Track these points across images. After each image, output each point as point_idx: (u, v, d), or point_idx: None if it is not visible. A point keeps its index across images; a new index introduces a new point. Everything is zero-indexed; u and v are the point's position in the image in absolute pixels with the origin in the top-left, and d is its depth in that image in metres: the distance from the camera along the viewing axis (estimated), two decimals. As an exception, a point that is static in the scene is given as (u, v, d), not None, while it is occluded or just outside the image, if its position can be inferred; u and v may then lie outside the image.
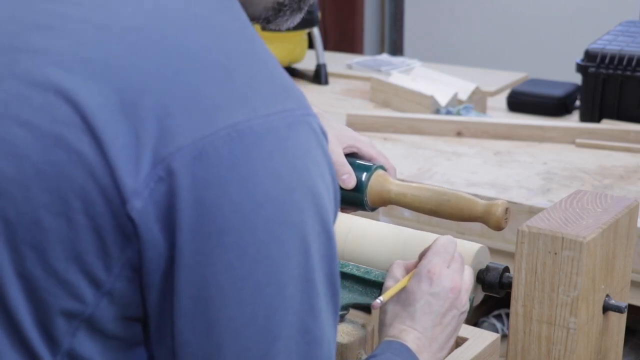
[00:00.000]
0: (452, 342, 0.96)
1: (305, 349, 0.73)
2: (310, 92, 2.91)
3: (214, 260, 0.68)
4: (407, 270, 0.99)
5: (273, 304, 0.70)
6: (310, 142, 0.72)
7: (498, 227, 1.03)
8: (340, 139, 1.12)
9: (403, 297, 0.95)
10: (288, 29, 0.91)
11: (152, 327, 0.73)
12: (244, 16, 0.77)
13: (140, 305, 0.72)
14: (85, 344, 0.72)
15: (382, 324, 0.97)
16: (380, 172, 1.11)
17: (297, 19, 0.90)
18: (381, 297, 0.95)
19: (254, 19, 0.87)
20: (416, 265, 0.99)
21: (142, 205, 0.67)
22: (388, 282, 0.99)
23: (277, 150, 0.69)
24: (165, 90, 0.68)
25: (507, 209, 1.03)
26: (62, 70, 0.70)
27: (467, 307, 0.97)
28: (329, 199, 0.74)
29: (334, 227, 0.74)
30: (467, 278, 0.98)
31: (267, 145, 0.69)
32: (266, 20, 0.88)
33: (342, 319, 1.10)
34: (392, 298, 0.96)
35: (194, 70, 0.70)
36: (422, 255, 0.99)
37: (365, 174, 1.10)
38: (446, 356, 0.97)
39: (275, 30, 0.91)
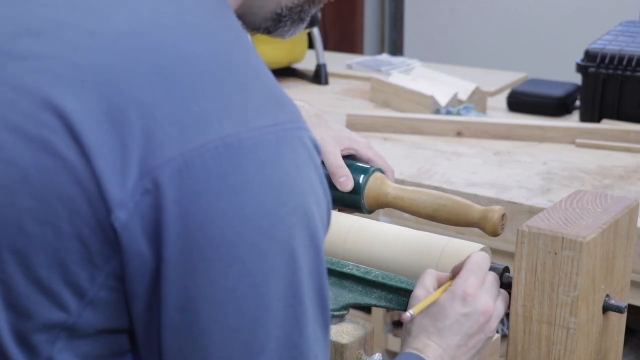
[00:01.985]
0: None
1: None
2: (310, 92, 2.91)
3: (199, 273, 0.68)
4: (439, 283, 0.98)
5: (258, 318, 0.70)
6: (300, 156, 0.71)
7: (494, 233, 1.03)
8: (338, 141, 1.11)
9: (434, 311, 0.94)
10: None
11: (140, 338, 0.72)
12: (237, 26, 0.76)
13: (125, 315, 0.71)
14: (64, 352, 0.71)
15: (407, 333, 0.96)
16: (377, 174, 1.11)
17: (300, 29, 0.89)
18: (411, 311, 0.94)
19: (254, 28, 0.86)
20: (449, 279, 0.98)
21: (126, 216, 0.66)
22: (418, 291, 0.97)
23: (265, 164, 0.69)
24: (155, 99, 0.68)
25: (503, 215, 1.03)
26: (50, 77, 0.69)
27: (494, 332, 0.96)
28: (320, 213, 0.73)
29: (324, 241, 0.74)
30: (500, 304, 0.97)
31: (256, 159, 0.68)
32: (267, 31, 0.87)
33: (342, 319, 1.10)
34: (422, 311, 0.95)
35: (185, 79, 0.69)
36: (455, 270, 0.98)
37: (362, 176, 1.10)
38: None
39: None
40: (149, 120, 0.67)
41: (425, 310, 0.95)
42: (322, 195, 0.73)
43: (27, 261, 0.69)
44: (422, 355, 0.92)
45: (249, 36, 0.77)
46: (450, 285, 0.97)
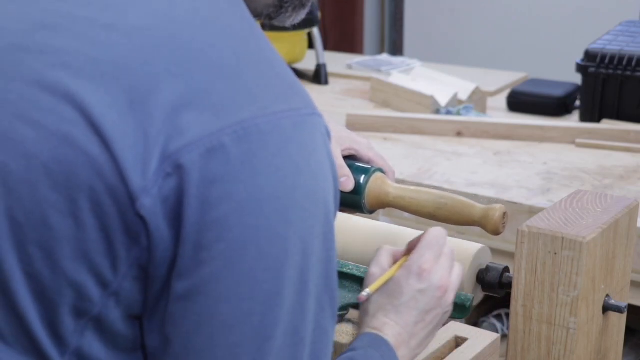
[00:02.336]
0: (431, 339, 0.96)
1: (293, 350, 0.73)
2: (310, 92, 2.89)
3: (214, 254, 0.69)
4: (395, 259, 0.98)
5: (269, 302, 0.70)
6: (315, 141, 0.72)
7: (496, 232, 1.03)
8: (339, 141, 1.11)
9: (390, 288, 0.94)
10: (292, 26, 0.91)
11: (145, 317, 0.73)
12: (250, 16, 0.77)
13: (144, 301, 0.72)
14: (93, 343, 0.72)
15: (365, 313, 0.96)
16: (378, 174, 1.11)
17: (302, 15, 0.90)
18: (368, 290, 0.94)
19: (256, 15, 0.87)
20: (404, 254, 0.98)
21: (151, 202, 0.67)
22: (373, 269, 0.97)
23: (282, 149, 0.70)
24: (174, 89, 0.69)
25: (504, 214, 1.03)
26: (69, 71, 0.70)
27: (451, 307, 0.96)
28: (331, 199, 0.74)
29: (334, 228, 0.75)
30: (456, 277, 0.97)
31: (273, 143, 0.69)
32: (268, 17, 0.88)
33: (342, 319, 1.10)
34: (378, 290, 0.95)
35: (202, 68, 0.70)
36: (411, 245, 0.98)
37: (363, 176, 1.10)
38: (421, 351, 0.97)
39: (279, 28, 0.91)
40: (168, 109, 0.68)
41: (381, 288, 0.95)
42: (333, 181, 0.75)
43: (53, 254, 0.70)
44: (381, 334, 0.92)
45: (259, 25, 0.78)
46: (405, 261, 0.96)
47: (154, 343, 0.73)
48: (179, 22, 0.72)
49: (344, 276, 1.09)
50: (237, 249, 0.69)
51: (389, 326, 0.93)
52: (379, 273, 0.96)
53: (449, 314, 0.97)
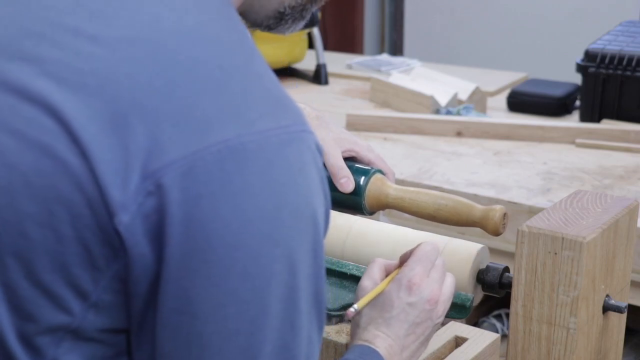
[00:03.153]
0: (422, 350, 0.97)
1: None
2: (310, 92, 2.91)
3: (199, 275, 0.68)
4: (387, 272, 0.98)
5: (256, 321, 0.70)
6: (303, 158, 0.71)
7: (496, 233, 1.03)
8: (338, 143, 1.11)
9: (380, 301, 0.95)
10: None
11: (132, 334, 0.72)
12: (241, 27, 0.76)
13: (126, 317, 0.71)
14: (69, 354, 0.71)
15: (356, 325, 0.97)
16: (378, 176, 1.11)
17: (300, 25, 0.89)
18: (355, 306, 0.94)
19: (255, 25, 0.86)
20: (396, 267, 0.98)
21: (129, 219, 0.66)
22: (365, 282, 0.97)
23: (268, 168, 0.69)
24: (157, 104, 0.68)
25: (505, 214, 1.03)
26: (51, 82, 0.69)
27: (442, 318, 0.97)
28: (321, 215, 0.73)
29: (323, 244, 0.74)
30: (447, 289, 0.97)
31: (258, 162, 0.68)
32: (268, 28, 0.87)
33: (342, 319, 1.10)
34: (368, 304, 0.95)
35: (187, 83, 0.69)
36: (403, 258, 0.98)
37: (363, 177, 1.10)
38: None
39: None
40: (151, 124, 0.67)
41: (372, 301, 0.95)
42: (323, 199, 0.74)
43: (30, 265, 0.69)
44: (373, 346, 0.92)
45: (250, 37, 0.77)
46: (397, 274, 0.97)
47: (143, 358, 0.73)
48: (165, 33, 0.71)
49: (344, 276, 1.09)
50: (222, 269, 0.68)
51: (380, 338, 0.93)
52: (371, 286, 0.96)
53: (439, 325, 0.97)
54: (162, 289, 0.68)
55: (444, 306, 0.96)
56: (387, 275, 0.98)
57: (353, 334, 0.97)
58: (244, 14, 0.84)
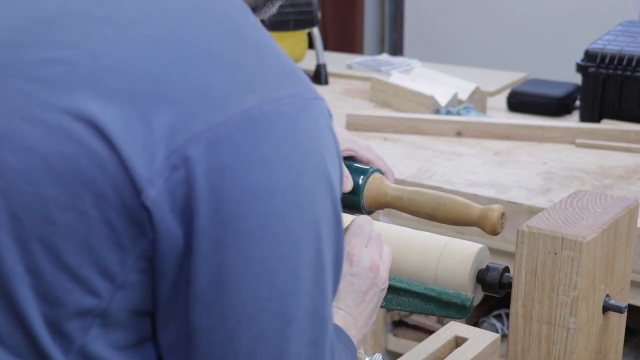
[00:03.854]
0: (374, 317, 0.98)
1: (315, 329, 0.74)
2: (310, 92, 2.91)
3: (230, 246, 0.69)
4: None
5: (287, 287, 0.71)
6: (320, 125, 0.73)
7: (494, 232, 1.03)
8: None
9: None
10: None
11: (158, 314, 0.73)
12: (243, 4, 0.77)
13: (152, 297, 0.72)
14: (98, 340, 0.72)
15: None
16: (377, 175, 1.11)
17: (276, 7, 0.91)
18: None
19: None
20: None
21: (156, 194, 0.67)
22: None
23: (289, 135, 0.70)
24: (176, 80, 0.69)
25: (503, 214, 1.03)
26: (67, 67, 0.70)
27: (386, 283, 0.98)
28: (337, 181, 0.75)
29: (341, 209, 0.76)
30: (386, 257, 0.98)
31: (280, 129, 0.70)
32: (253, 10, 0.88)
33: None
34: None
35: (203, 59, 0.70)
36: None
37: (362, 177, 1.10)
38: (367, 331, 0.98)
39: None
40: (172, 100, 0.68)
41: None
42: (339, 164, 0.75)
43: (56, 249, 0.69)
44: None
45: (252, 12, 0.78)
46: None
47: (170, 338, 0.73)
48: (175, 12, 0.72)
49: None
50: (252, 238, 0.69)
51: (333, 312, 0.94)
52: None
53: (385, 291, 0.99)
54: (194, 263, 0.69)
55: (385, 273, 0.98)
56: None
57: None
58: None
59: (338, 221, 0.75)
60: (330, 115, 0.76)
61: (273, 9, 0.90)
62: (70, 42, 0.71)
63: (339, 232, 0.76)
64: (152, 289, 0.72)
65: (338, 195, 0.75)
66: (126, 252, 0.69)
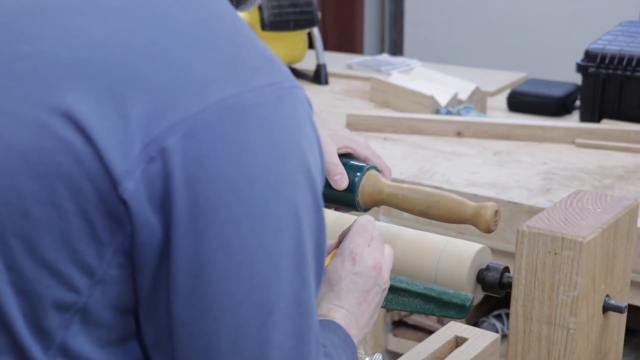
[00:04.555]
0: (375, 317, 0.98)
1: (298, 320, 0.74)
2: (310, 92, 2.91)
3: (209, 236, 0.68)
4: (329, 251, 0.99)
5: (269, 277, 0.71)
6: (299, 114, 0.73)
7: (487, 230, 1.03)
8: (335, 139, 1.12)
9: (328, 276, 0.96)
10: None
11: (141, 310, 0.72)
12: None
13: (132, 293, 0.72)
14: (78, 337, 0.72)
15: None
16: (372, 172, 1.11)
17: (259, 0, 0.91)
18: None
19: None
20: (337, 245, 0.99)
21: (133, 186, 0.67)
22: None
23: (267, 124, 0.70)
24: (153, 70, 0.68)
25: (496, 212, 1.03)
26: (43, 59, 0.70)
27: (388, 283, 0.98)
28: (318, 170, 0.74)
29: (322, 197, 0.75)
30: (387, 257, 0.98)
31: (258, 118, 0.69)
32: (237, 3, 0.88)
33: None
34: None
35: (181, 47, 0.70)
36: (342, 235, 1.00)
37: (357, 174, 1.10)
38: (368, 330, 0.98)
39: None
40: (148, 91, 0.68)
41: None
42: (319, 152, 0.75)
43: (34, 245, 0.69)
44: (329, 318, 0.93)
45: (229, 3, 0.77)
46: (338, 250, 0.98)
47: (154, 334, 0.73)
48: (152, 2, 0.72)
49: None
50: (230, 228, 0.69)
51: (333, 310, 0.94)
52: None
53: (387, 291, 0.99)
54: (173, 255, 0.69)
55: (387, 273, 0.98)
56: (329, 254, 0.99)
57: None
58: None
59: (319, 211, 0.75)
60: (310, 104, 0.75)
61: (257, 1, 0.90)
62: (48, 36, 0.71)
63: (320, 223, 0.75)
64: (133, 285, 0.71)
65: (318, 185, 0.74)
66: (104, 246, 0.69)
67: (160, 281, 0.70)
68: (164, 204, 0.68)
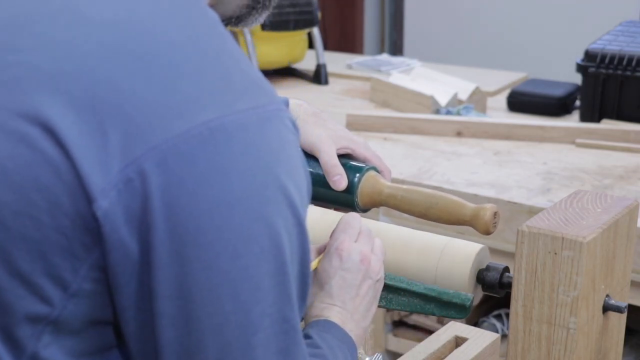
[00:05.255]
0: (373, 309, 0.97)
1: (284, 337, 0.74)
2: (310, 92, 2.91)
3: (190, 259, 0.68)
4: (319, 252, 1.00)
5: (251, 298, 0.71)
6: (282, 136, 0.72)
7: (486, 232, 1.03)
8: (334, 140, 1.11)
9: (317, 277, 0.96)
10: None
11: (130, 330, 0.72)
12: (212, 13, 0.76)
13: (109, 307, 0.71)
14: (49, 347, 0.71)
15: None
16: (372, 173, 1.11)
17: (264, 17, 0.90)
18: None
19: (224, 19, 0.86)
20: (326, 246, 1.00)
21: (108, 205, 0.66)
22: None
23: (250, 147, 0.69)
24: (135, 88, 0.68)
25: (495, 213, 1.03)
26: (26, 71, 0.69)
27: (380, 275, 0.97)
28: (302, 191, 0.74)
29: (306, 218, 0.75)
30: (377, 249, 0.98)
31: (240, 142, 0.69)
32: (237, 20, 0.88)
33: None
34: None
35: (165, 66, 0.69)
36: (330, 236, 1.00)
37: (357, 175, 1.10)
38: (368, 323, 0.98)
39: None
40: (130, 109, 0.67)
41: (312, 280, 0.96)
42: (303, 174, 0.75)
43: (8, 255, 0.69)
44: (324, 318, 0.93)
45: (220, 22, 0.77)
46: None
47: (142, 351, 0.73)
48: (141, 18, 0.72)
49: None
50: (212, 251, 0.68)
51: (327, 309, 0.94)
52: None
53: (382, 282, 0.99)
54: (154, 278, 0.68)
55: (378, 264, 0.97)
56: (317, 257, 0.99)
57: (304, 317, 0.97)
58: (213, 7, 0.84)
59: (302, 232, 0.74)
60: (295, 127, 0.75)
61: (260, 19, 0.89)
62: (34, 46, 0.70)
63: (304, 241, 0.75)
64: (109, 299, 0.71)
65: (300, 207, 0.74)
66: (79, 260, 0.69)
67: (144, 302, 0.70)
68: (142, 226, 0.67)
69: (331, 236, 0.98)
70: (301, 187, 0.74)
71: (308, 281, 0.78)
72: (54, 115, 0.67)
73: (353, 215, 0.99)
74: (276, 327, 0.73)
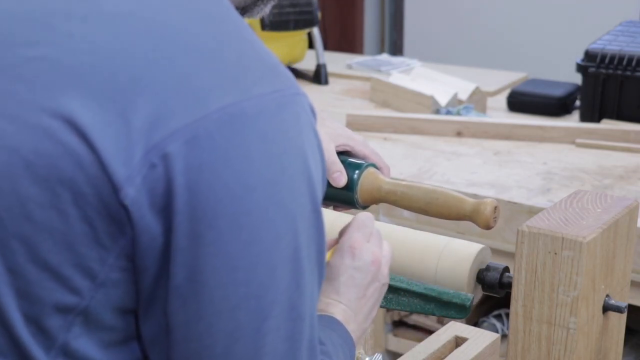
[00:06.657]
0: (374, 313, 0.98)
1: (291, 325, 0.74)
2: (310, 92, 2.91)
3: (208, 242, 0.69)
4: (328, 247, 0.99)
5: (265, 284, 0.71)
6: (301, 121, 0.72)
7: (486, 226, 1.03)
8: (333, 138, 1.12)
9: (327, 271, 0.95)
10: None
11: (140, 308, 0.73)
12: (226, 1, 0.77)
13: (134, 294, 0.72)
14: (80, 338, 0.72)
15: None
16: (371, 170, 1.11)
17: (269, 7, 0.90)
18: None
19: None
20: (337, 241, 1.00)
21: (135, 192, 0.67)
22: None
23: (268, 131, 0.70)
24: (155, 76, 0.69)
25: (495, 208, 1.03)
26: (46, 65, 0.70)
27: (387, 279, 0.98)
28: (319, 177, 0.75)
29: (321, 203, 0.76)
30: (386, 252, 0.98)
31: (259, 126, 0.69)
32: (244, 10, 0.88)
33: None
34: None
35: (183, 54, 0.70)
36: (342, 232, 1.00)
37: (356, 172, 1.10)
38: (368, 326, 0.98)
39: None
40: (150, 97, 0.68)
41: None
42: (320, 159, 0.75)
43: (36, 248, 0.69)
44: (328, 314, 0.93)
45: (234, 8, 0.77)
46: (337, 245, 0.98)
47: (152, 331, 0.73)
48: (154, 7, 0.72)
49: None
50: (229, 236, 0.69)
51: (332, 305, 0.94)
52: None
53: (386, 286, 0.99)
54: (172, 259, 0.69)
55: (386, 268, 0.97)
56: (328, 251, 0.99)
57: None
58: None
59: (318, 218, 0.75)
60: (313, 111, 0.75)
61: (265, 9, 0.90)
62: (52, 40, 0.71)
63: (319, 230, 0.75)
64: (135, 287, 0.72)
65: (318, 193, 0.74)
66: (106, 250, 0.69)
67: (160, 282, 0.71)
68: (165, 209, 0.68)
69: (343, 233, 0.98)
70: (318, 171, 0.74)
71: (323, 271, 0.78)
72: (75, 108, 0.68)
73: (367, 215, 1.00)
74: (285, 315, 0.73)
